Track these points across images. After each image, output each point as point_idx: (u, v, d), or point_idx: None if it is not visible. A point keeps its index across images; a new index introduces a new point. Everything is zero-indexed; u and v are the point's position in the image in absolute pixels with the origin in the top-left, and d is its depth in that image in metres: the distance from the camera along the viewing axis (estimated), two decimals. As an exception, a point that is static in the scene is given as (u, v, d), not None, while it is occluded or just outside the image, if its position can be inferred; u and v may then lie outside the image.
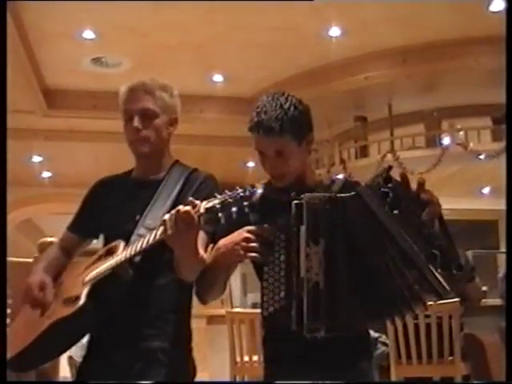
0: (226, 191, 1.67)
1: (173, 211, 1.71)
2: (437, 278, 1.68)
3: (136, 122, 2.02)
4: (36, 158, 9.28)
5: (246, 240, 1.79)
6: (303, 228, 1.73)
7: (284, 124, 1.84)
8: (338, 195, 1.77)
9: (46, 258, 2.17)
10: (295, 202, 1.74)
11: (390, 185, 1.71)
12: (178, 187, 2.03)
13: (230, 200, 1.65)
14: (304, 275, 1.71)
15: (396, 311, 1.75)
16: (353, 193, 1.75)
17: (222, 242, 1.86)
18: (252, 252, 1.79)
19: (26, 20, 5.91)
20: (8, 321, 2.44)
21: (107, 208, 2.10)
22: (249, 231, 1.80)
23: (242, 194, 1.65)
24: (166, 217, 1.72)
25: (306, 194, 1.74)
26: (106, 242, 2.06)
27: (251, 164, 9.34)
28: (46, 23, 6.04)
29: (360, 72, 7.03)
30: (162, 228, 1.75)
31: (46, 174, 10.03)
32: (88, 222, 2.17)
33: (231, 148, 8.71)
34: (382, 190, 1.71)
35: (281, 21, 6.06)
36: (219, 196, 1.67)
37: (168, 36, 6.35)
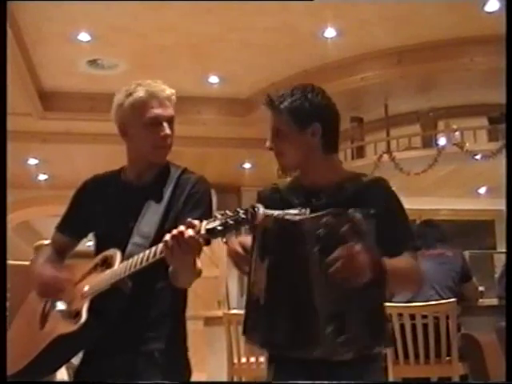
0: (227, 211, 1.65)
1: (174, 232, 1.68)
2: (319, 337, 1.69)
3: (167, 130, 2.01)
4: (32, 161, 9.25)
5: (234, 253, 1.84)
6: (255, 244, 1.79)
7: (286, 102, 1.85)
8: (286, 217, 1.74)
9: (41, 257, 2.15)
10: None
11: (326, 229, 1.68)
12: (170, 191, 2.03)
13: (231, 222, 1.63)
14: (251, 289, 1.79)
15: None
16: (301, 217, 1.72)
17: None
18: (236, 266, 1.86)
19: (21, 22, 5.90)
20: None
21: (98, 209, 2.08)
22: (240, 242, 1.83)
23: (243, 217, 1.63)
24: (167, 237, 1.69)
25: (260, 212, 1.68)
26: (98, 246, 2.07)
27: (247, 165, 9.34)
28: (42, 25, 6.02)
29: (356, 73, 7.02)
30: (162, 246, 1.73)
31: (42, 177, 10.01)
32: (78, 222, 2.15)
33: (228, 149, 8.71)
34: (318, 232, 1.69)
35: (277, 21, 6.06)
36: (220, 216, 1.64)
37: (164, 37, 6.34)
